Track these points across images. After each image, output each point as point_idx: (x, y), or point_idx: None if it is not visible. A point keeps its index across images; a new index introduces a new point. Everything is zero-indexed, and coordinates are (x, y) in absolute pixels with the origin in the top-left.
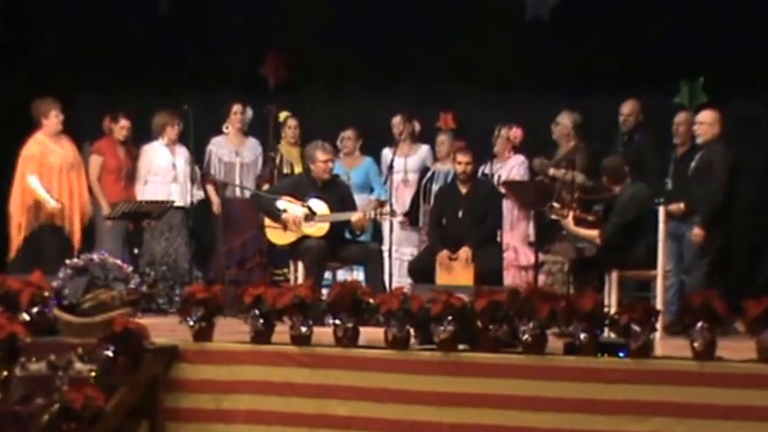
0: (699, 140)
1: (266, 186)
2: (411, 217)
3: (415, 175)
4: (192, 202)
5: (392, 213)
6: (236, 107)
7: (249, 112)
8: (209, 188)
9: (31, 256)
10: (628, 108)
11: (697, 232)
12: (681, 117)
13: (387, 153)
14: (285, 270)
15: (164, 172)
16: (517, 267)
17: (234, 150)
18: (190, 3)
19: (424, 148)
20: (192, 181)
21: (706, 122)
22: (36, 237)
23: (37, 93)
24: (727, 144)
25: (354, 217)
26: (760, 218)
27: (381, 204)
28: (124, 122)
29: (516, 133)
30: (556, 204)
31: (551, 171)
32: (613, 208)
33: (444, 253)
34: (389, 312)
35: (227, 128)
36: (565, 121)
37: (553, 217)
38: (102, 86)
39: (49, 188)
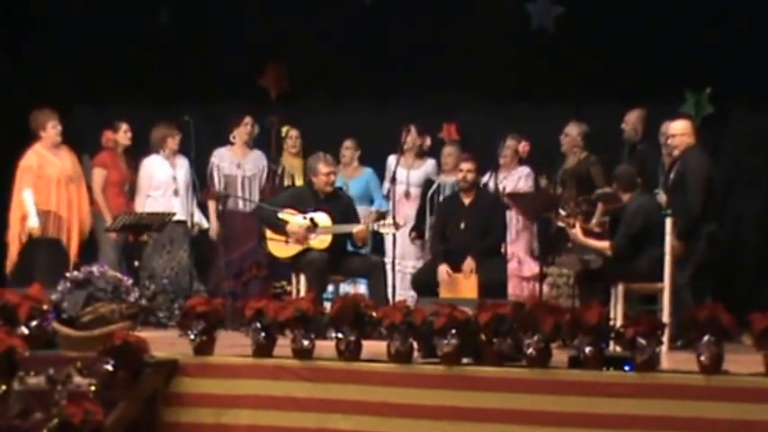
0: (674, 152)
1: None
2: (418, 231)
3: (417, 190)
4: (192, 214)
5: (396, 226)
6: (248, 119)
7: (257, 128)
8: (211, 206)
9: (26, 269)
10: (632, 118)
11: (674, 244)
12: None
13: (391, 161)
14: (284, 283)
15: (164, 186)
16: (520, 278)
17: (236, 163)
18: (190, 13)
19: (429, 163)
20: (196, 198)
21: (678, 133)
22: (31, 249)
23: (36, 103)
24: (703, 153)
25: (356, 229)
26: (766, 230)
27: (381, 216)
28: (125, 126)
29: (525, 146)
30: (562, 212)
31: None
32: (622, 219)
33: (443, 268)
34: (392, 325)
35: (233, 137)
36: (573, 132)
37: (559, 224)
38: (102, 97)
39: (47, 200)
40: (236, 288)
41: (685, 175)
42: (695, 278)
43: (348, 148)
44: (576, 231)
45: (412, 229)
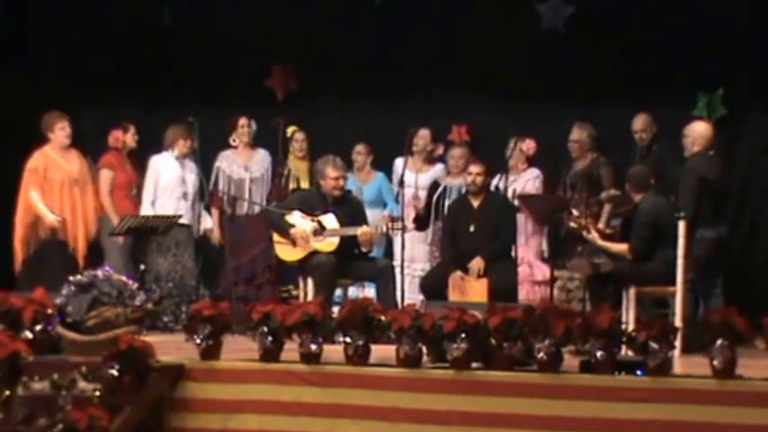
0: (685, 154)
1: (275, 201)
2: (419, 223)
3: (425, 193)
4: (198, 216)
5: (403, 228)
6: (243, 120)
7: (253, 125)
8: (214, 212)
9: (33, 272)
10: (640, 123)
11: None
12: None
13: (398, 164)
14: (290, 287)
15: (173, 186)
16: (531, 282)
17: (243, 165)
18: (193, 15)
19: (437, 167)
20: (201, 198)
21: (690, 136)
22: (38, 252)
23: (41, 106)
24: (704, 159)
25: (360, 231)
26: None
27: (394, 220)
28: (133, 128)
29: (530, 145)
30: (575, 212)
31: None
32: (635, 220)
33: (458, 274)
34: (401, 330)
35: (234, 140)
36: (579, 136)
37: (572, 225)
38: (105, 99)
39: (50, 203)
40: (248, 292)
41: (683, 177)
42: (701, 282)
43: (360, 153)
44: (595, 236)
45: (414, 219)
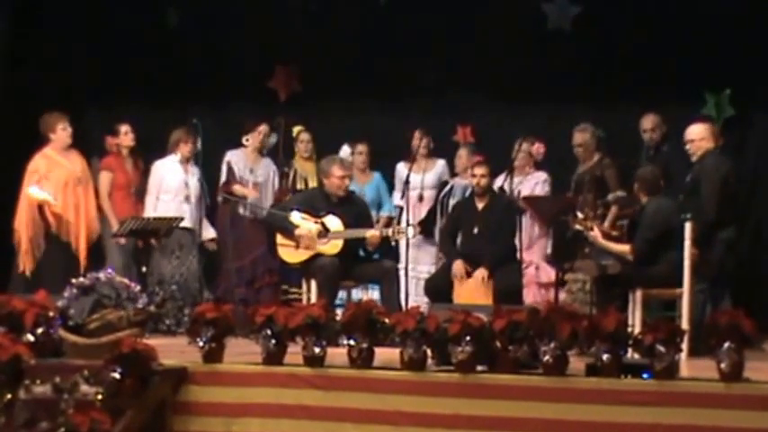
0: (692, 158)
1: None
2: (425, 227)
3: (430, 192)
4: (200, 220)
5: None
6: (263, 127)
7: (273, 138)
8: (237, 188)
9: (36, 273)
10: (649, 122)
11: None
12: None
13: (401, 168)
14: (294, 289)
15: (175, 190)
16: (537, 285)
17: (249, 167)
18: (198, 16)
19: (440, 163)
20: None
21: (696, 138)
22: (41, 253)
23: (44, 107)
24: (720, 156)
25: (369, 233)
26: None
27: (391, 221)
28: (125, 128)
29: (539, 149)
30: (580, 214)
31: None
32: (641, 221)
33: (459, 263)
34: (405, 332)
35: (247, 140)
36: (582, 140)
37: (577, 227)
38: (110, 101)
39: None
40: (248, 295)
41: (699, 180)
42: (712, 285)
43: (361, 153)
44: (596, 235)
45: (419, 224)
